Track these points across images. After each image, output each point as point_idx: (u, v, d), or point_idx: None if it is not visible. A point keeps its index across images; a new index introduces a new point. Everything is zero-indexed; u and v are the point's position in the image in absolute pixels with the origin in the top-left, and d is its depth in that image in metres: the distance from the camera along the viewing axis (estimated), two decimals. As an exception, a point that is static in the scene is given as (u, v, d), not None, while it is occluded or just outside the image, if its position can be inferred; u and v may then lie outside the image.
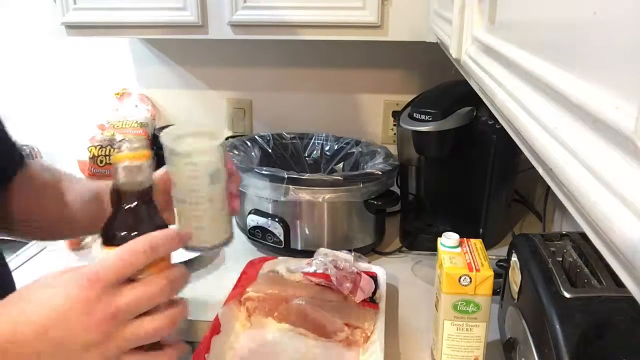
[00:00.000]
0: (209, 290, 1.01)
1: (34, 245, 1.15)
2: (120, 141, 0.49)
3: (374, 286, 0.95)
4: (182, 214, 0.60)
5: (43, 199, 0.74)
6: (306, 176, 1.05)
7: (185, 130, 0.60)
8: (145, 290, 0.46)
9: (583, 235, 0.73)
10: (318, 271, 0.95)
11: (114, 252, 0.46)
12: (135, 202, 0.51)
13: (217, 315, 0.86)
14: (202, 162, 0.57)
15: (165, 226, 0.52)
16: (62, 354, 0.44)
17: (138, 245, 0.46)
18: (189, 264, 1.06)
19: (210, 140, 0.58)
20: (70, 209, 0.74)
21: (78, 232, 0.87)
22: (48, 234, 0.80)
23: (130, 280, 0.47)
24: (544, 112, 0.31)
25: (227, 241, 0.63)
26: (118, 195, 0.51)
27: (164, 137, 0.56)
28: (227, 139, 1.37)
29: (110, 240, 0.50)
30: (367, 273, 0.98)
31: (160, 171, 0.62)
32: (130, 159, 0.50)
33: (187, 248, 0.58)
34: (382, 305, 0.92)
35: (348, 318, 0.87)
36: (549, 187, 0.54)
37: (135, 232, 0.49)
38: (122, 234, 0.50)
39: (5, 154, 0.73)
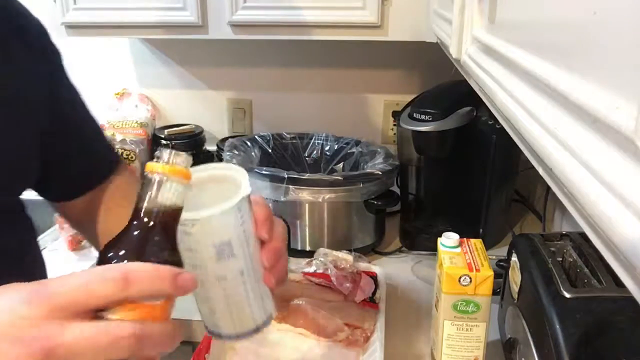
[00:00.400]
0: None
1: (34, 245, 1.15)
2: (163, 147, 0.41)
3: (374, 286, 0.95)
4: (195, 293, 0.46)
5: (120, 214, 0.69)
6: (306, 176, 1.05)
7: (198, 175, 0.44)
8: (100, 334, 0.34)
9: (583, 235, 0.73)
10: (318, 271, 0.95)
11: (81, 273, 0.36)
12: (149, 223, 0.39)
13: (217, 315, 0.86)
14: (201, 233, 0.44)
15: (177, 261, 0.40)
16: None
17: (110, 272, 0.35)
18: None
19: (221, 199, 0.44)
20: None
21: None
22: None
23: (97, 314, 0.35)
24: (544, 112, 0.31)
25: (259, 327, 0.49)
26: (135, 206, 0.40)
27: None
28: (226, 139, 1.37)
29: (101, 256, 0.39)
30: (367, 273, 0.98)
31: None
32: (161, 173, 0.39)
33: (208, 332, 0.49)
34: (382, 305, 0.92)
35: (348, 318, 0.87)
36: (549, 187, 0.54)
37: (132, 258, 0.38)
38: (115, 253, 0.38)
39: (99, 154, 0.73)
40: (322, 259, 0.97)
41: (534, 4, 0.38)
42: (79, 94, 0.71)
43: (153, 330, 0.36)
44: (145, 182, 0.40)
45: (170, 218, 0.40)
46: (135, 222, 0.39)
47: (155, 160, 0.40)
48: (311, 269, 0.96)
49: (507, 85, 0.41)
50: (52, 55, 0.66)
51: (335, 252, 1.00)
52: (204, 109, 1.57)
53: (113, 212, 0.71)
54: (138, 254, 0.38)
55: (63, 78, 0.68)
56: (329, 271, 0.94)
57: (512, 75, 0.40)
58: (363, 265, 1.02)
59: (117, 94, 1.56)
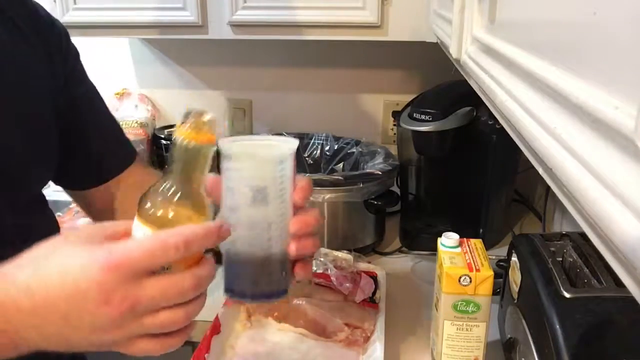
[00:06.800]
0: (209, 289, 1.01)
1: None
2: (189, 113, 0.45)
3: (374, 286, 0.95)
4: (226, 245, 0.49)
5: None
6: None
7: (252, 139, 0.52)
8: (170, 288, 0.42)
9: (583, 235, 0.73)
10: (318, 271, 0.95)
11: (144, 241, 0.42)
12: (180, 182, 0.45)
13: (217, 315, 0.86)
14: (243, 169, 0.48)
15: (203, 211, 0.46)
16: (69, 329, 0.42)
17: (172, 240, 0.41)
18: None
19: (265, 150, 0.50)
20: None
21: None
22: None
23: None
24: (544, 112, 0.31)
25: (274, 294, 0.51)
26: (169, 165, 0.45)
27: (222, 140, 0.48)
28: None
29: (144, 211, 0.45)
30: (367, 273, 0.98)
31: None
32: (188, 139, 0.44)
33: (225, 291, 0.51)
34: (382, 305, 0.92)
35: (348, 318, 0.87)
36: (549, 187, 0.54)
37: (172, 214, 0.44)
38: (159, 213, 0.44)
39: (118, 148, 0.78)
40: (322, 259, 0.97)
41: (534, 4, 0.38)
42: (96, 90, 0.78)
43: (204, 273, 0.44)
44: (173, 142, 0.44)
45: (197, 172, 0.45)
46: (170, 179, 0.45)
47: (182, 123, 0.44)
48: (311, 269, 0.96)
49: (507, 85, 0.41)
50: (70, 55, 0.74)
51: (335, 252, 1.00)
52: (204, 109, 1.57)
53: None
54: (178, 209, 0.45)
55: (81, 75, 0.76)
56: (329, 271, 0.94)
57: (512, 75, 0.40)
58: (363, 265, 1.02)
59: (117, 94, 1.56)
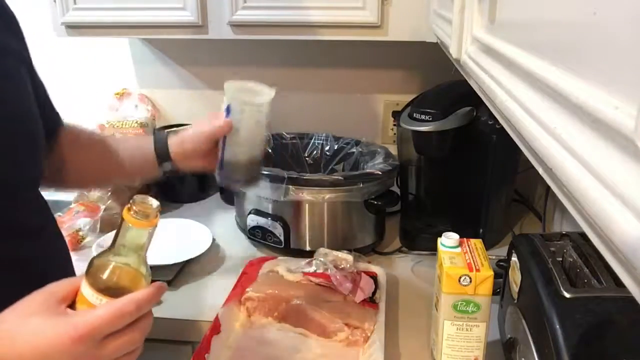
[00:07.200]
0: (209, 290, 1.01)
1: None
2: (135, 198, 0.55)
3: (374, 286, 0.95)
4: (238, 156, 0.80)
5: (91, 150, 0.85)
6: (306, 176, 1.05)
7: (245, 85, 0.82)
8: (125, 343, 0.52)
9: (583, 235, 0.73)
10: (318, 271, 0.95)
11: (103, 312, 0.50)
12: (131, 258, 0.54)
13: (217, 315, 0.86)
14: (266, 112, 0.81)
15: (147, 275, 0.55)
16: None
17: (126, 309, 0.50)
18: (188, 264, 1.07)
19: (268, 93, 0.81)
20: (117, 157, 0.85)
21: (125, 178, 1.02)
22: (97, 182, 0.97)
23: None
24: (544, 112, 0.31)
25: (259, 179, 0.91)
26: (117, 241, 0.53)
27: (235, 93, 0.79)
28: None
29: (97, 280, 0.52)
30: (367, 273, 0.98)
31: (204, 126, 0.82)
32: (133, 224, 0.53)
33: (237, 183, 0.88)
34: (382, 305, 0.92)
35: (348, 318, 0.87)
36: (549, 187, 0.54)
37: (122, 283, 0.53)
38: (111, 283, 0.53)
39: (49, 113, 0.82)
40: (322, 259, 0.97)
41: (534, 4, 0.38)
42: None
43: (148, 325, 0.54)
44: (122, 226, 0.53)
45: (136, 250, 0.54)
46: (120, 255, 0.53)
47: (129, 205, 0.53)
48: (311, 269, 0.96)
49: (507, 85, 0.41)
50: (23, 38, 0.76)
51: (335, 252, 1.00)
52: (204, 109, 1.57)
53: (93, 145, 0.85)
54: (127, 281, 0.53)
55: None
56: (329, 271, 0.94)
57: (512, 75, 0.40)
58: (363, 265, 1.02)
59: (117, 94, 1.56)
